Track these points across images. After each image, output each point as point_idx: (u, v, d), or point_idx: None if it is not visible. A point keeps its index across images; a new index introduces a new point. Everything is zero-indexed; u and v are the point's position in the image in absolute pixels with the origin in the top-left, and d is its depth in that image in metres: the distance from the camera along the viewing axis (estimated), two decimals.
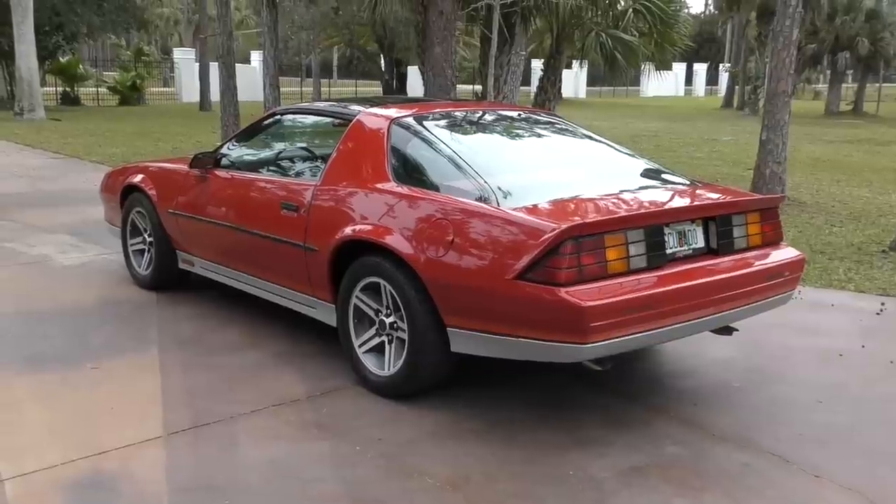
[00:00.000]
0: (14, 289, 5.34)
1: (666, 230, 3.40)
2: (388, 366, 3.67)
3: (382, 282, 3.62)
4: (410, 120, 4.09)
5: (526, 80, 25.67)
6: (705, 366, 4.21)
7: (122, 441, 3.20)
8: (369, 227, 3.69)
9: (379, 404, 3.61)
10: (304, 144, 4.94)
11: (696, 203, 3.82)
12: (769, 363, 4.28)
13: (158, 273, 5.24)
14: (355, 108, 4.36)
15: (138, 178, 5.32)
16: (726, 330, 3.82)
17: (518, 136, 4.66)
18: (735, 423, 3.52)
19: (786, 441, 3.35)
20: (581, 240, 3.09)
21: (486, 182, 3.52)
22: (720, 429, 3.46)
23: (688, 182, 4.12)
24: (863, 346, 4.53)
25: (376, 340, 3.74)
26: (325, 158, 4.26)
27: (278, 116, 4.95)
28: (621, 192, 3.77)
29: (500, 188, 3.48)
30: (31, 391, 3.71)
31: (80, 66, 26.96)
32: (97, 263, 6.02)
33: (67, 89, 26.18)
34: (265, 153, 4.94)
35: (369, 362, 3.75)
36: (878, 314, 5.15)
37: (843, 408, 3.73)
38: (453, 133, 4.18)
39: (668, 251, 3.40)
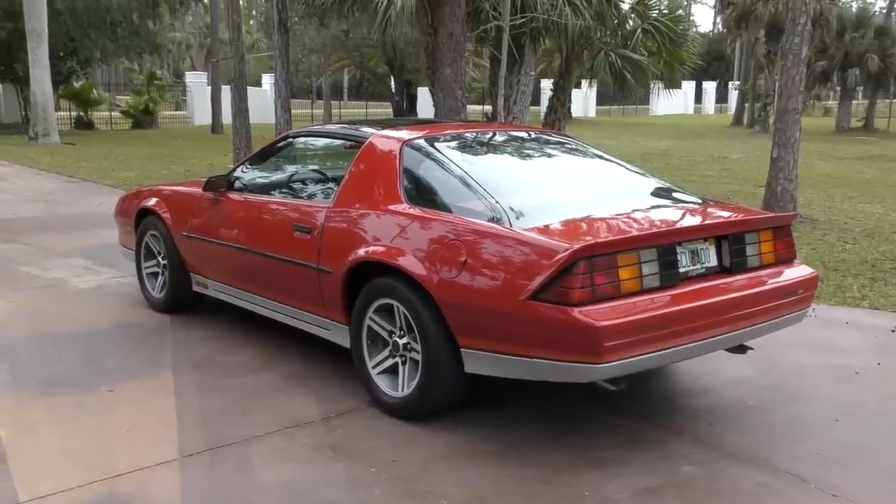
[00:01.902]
0: (29, 312, 5.38)
1: (678, 249, 3.41)
2: (401, 387, 3.67)
3: (396, 303, 3.63)
4: (422, 142, 4.12)
5: (535, 100, 25.74)
6: (720, 385, 4.19)
7: (138, 463, 3.21)
8: (382, 249, 3.70)
9: (393, 426, 3.61)
10: (316, 167, 4.98)
11: (708, 222, 3.83)
12: (784, 381, 4.26)
13: (172, 296, 5.27)
14: (367, 130, 4.39)
15: (152, 201, 5.37)
16: (741, 348, 3.81)
17: (529, 156, 4.68)
18: (751, 442, 3.50)
19: (803, 460, 3.33)
20: (594, 259, 3.10)
21: (497, 202, 3.54)
22: (736, 448, 3.44)
23: (699, 200, 4.13)
24: (878, 364, 4.51)
25: (390, 362, 3.75)
26: (337, 181, 4.29)
27: (290, 139, 4.99)
28: (633, 211, 3.78)
29: (511, 209, 3.50)
30: (46, 414, 3.73)
31: (94, 91, 27.23)
32: (111, 287, 6.06)
33: (81, 114, 26.45)
34: (278, 176, 4.98)
35: (383, 384, 3.76)
36: (893, 331, 5.12)
37: (860, 426, 3.70)
38: (464, 154, 4.21)
39: (681, 270, 3.40)
